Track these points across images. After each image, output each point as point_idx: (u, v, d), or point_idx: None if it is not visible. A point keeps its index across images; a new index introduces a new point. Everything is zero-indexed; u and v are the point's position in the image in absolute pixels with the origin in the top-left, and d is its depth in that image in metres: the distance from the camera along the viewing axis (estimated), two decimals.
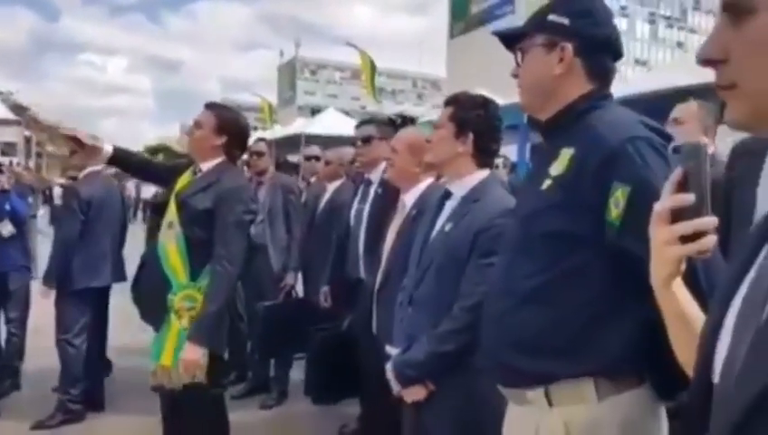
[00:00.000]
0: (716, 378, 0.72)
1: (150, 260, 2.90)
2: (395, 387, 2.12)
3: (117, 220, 4.54)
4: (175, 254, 2.76)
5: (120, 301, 4.96)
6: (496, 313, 1.56)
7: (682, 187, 0.84)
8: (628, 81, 11.47)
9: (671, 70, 7.23)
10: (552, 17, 1.55)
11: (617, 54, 1.59)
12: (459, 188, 2.16)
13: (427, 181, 2.75)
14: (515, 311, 1.50)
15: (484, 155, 2.19)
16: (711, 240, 0.84)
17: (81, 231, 4.17)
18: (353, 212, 3.66)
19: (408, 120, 3.02)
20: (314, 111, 49.75)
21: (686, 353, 0.90)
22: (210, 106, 2.99)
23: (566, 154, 1.45)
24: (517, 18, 54.59)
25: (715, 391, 0.72)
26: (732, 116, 0.74)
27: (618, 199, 1.33)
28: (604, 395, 1.41)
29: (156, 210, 3.53)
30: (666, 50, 70.56)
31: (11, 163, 6.02)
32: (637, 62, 68.62)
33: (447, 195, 2.21)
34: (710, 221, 0.84)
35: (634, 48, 71.07)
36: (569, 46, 1.52)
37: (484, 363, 1.64)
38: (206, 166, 2.88)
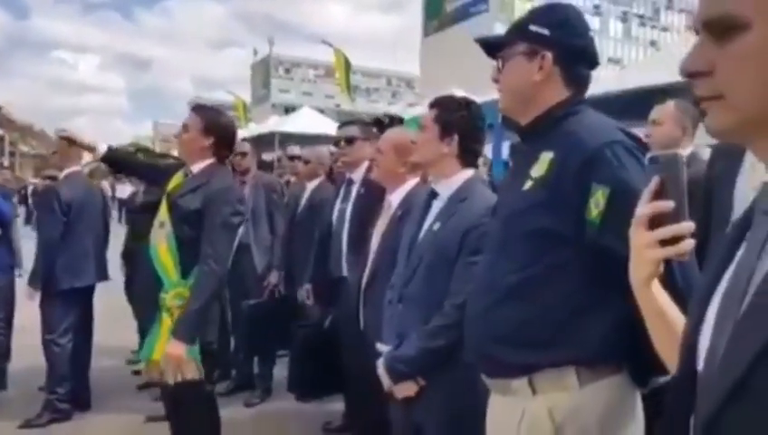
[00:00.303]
0: (700, 366, 0.79)
1: (143, 259, 2.97)
2: (386, 383, 2.15)
3: (99, 220, 4.57)
4: (166, 253, 2.83)
5: (105, 300, 5.01)
6: (480, 309, 1.63)
7: (659, 194, 0.92)
8: (601, 80, 11.47)
9: (645, 68, 7.27)
10: (533, 27, 1.65)
11: (593, 63, 1.69)
12: (445, 188, 2.22)
13: (413, 182, 2.81)
14: (499, 306, 1.58)
15: (469, 155, 2.25)
16: (689, 244, 0.91)
17: (62, 232, 4.20)
18: (335, 211, 3.72)
19: (395, 121, 3.08)
20: (288, 109, 49.48)
21: (666, 348, 0.98)
22: (196, 109, 3.07)
23: (546, 157, 1.54)
24: (491, 16, 54.95)
25: (699, 378, 0.79)
26: (716, 125, 0.78)
27: (598, 200, 1.43)
28: (585, 382, 1.50)
29: (146, 210, 3.61)
30: (639, 48, 71.22)
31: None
32: (610, 60, 69.07)
33: (434, 195, 2.27)
34: (688, 226, 0.91)
35: (607, 47, 71.56)
36: (549, 55, 1.61)
37: (469, 358, 1.71)
38: (196, 167, 2.96)
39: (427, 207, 2.27)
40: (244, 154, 4.92)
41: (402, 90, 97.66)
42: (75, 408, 4.29)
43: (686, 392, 0.81)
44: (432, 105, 2.29)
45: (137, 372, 5.22)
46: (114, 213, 21.04)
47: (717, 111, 0.76)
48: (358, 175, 3.61)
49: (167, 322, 2.81)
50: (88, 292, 4.46)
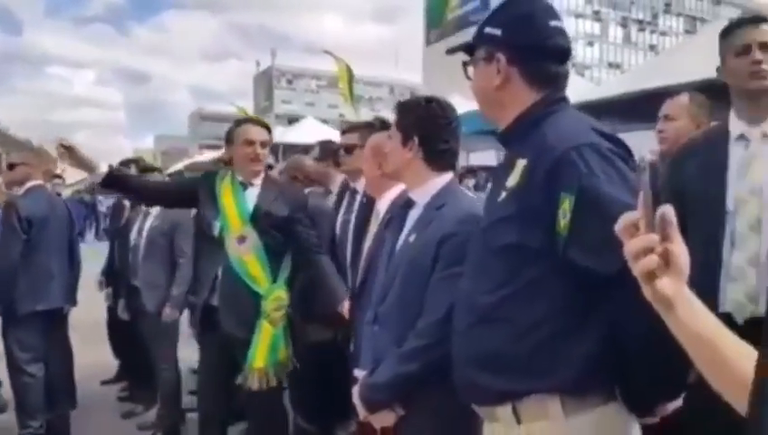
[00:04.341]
0: None
1: (227, 275, 3.07)
2: (361, 412, 1.96)
3: (63, 239, 4.08)
4: (255, 264, 2.98)
5: (83, 325, 4.83)
6: (461, 329, 1.54)
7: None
8: (602, 84, 11.55)
9: (644, 72, 7.32)
10: (487, 29, 1.57)
11: (561, 57, 1.55)
12: (421, 196, 2.04)
13: (400, 187, 2.54)
14: (476, 328, 1.49)
15: (437, 158, 2.04)
16: (651, 261, 0.81)
17: (23, 251, 3.76)
18: (339, 223, 3.54)
19: (386, 126, 2.87)
20: (292, 119, 49.38)
21: (717, 379, 0.83)
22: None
23: (520, 165, 1.44)
24: None
25: None
26: None
27: (565, 210, 1.31)
28: (571, 412, 1.39)
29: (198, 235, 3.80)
30: (638, 53, 71.43)
31: None
32: (611, 65, 69.46)
33: (410, 204, 2.10)
34: (647, 239, 0.81)
35: (607, 51, 71.88)
36: (502, 57, 1.53)
37: (455, 380, 1.58)
38: (256, 180, 3.20)
39: (405, 217, 2.10)
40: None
41: (405, 98, 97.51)
42: None
43: None
44: (395, 110, 2.17)
45: (122, 399, 5.06)
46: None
47: None
48: (361, 184, 3.42)
49: (267, 328, 2.95)
50: (57, 316, 4.03)
